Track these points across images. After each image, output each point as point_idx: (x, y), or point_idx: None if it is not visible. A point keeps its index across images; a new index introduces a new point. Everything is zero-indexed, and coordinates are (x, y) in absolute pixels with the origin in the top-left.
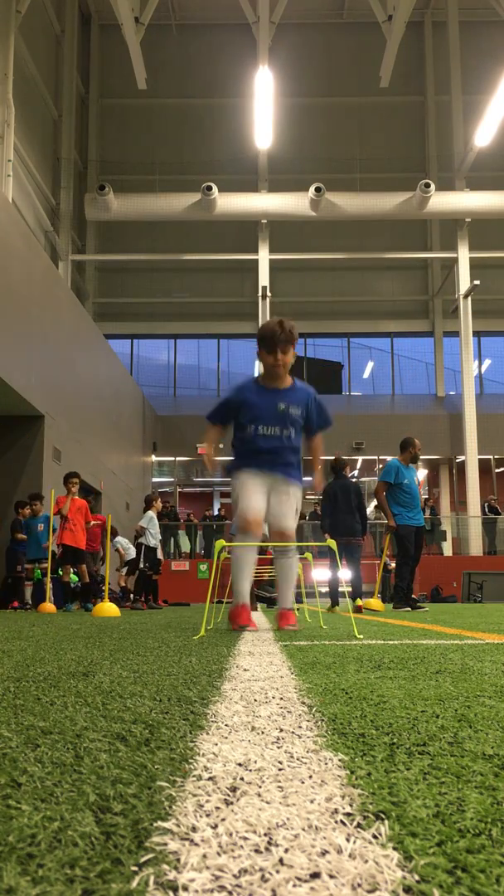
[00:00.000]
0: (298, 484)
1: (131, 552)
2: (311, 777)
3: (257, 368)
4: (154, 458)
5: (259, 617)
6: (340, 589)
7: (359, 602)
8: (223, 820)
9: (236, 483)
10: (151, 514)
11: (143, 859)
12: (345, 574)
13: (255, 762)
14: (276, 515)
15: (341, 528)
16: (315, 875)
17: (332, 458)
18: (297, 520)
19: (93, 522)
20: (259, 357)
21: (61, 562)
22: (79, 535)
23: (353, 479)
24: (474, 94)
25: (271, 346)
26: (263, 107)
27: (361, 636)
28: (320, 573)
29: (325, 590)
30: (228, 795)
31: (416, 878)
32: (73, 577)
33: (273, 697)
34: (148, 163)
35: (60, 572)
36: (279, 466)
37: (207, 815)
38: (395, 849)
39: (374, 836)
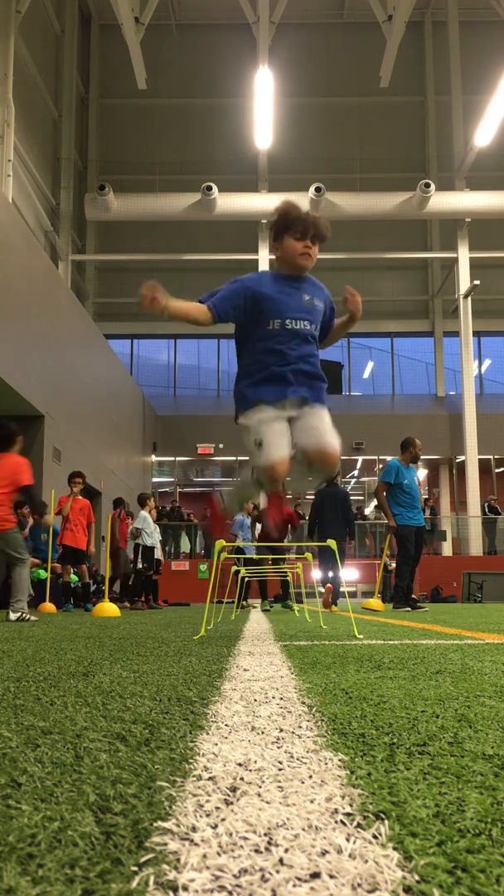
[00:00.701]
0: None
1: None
2: (311, 777)
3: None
4: (154, 458)
5: (259, 617)
6: (342, 589)
7: (334, 607)
8: (223, 820)
9: (253, 422)
10: (144, 513)
11: (143, 859)
12: (317, 574)
13: (255, 762)
14: (314, 430)
15: (326, 533)
16: (315, 875)
17: None
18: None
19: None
20: (280, 246)
21: (61, 561)
22: (79, 536)
23: (351, 479)
24: (474, 94)
25: (303, 229)
26: (263, 107)
27: (361, 636)
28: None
29: (322, 590)
30: (228, 795)
31: (416, 878)
32: (73, 577)
33: (273, 697)
34: (148, 163)
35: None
36: (308, 387)
37: (207, 815)
38: (395, 849)
39: (374, 836)
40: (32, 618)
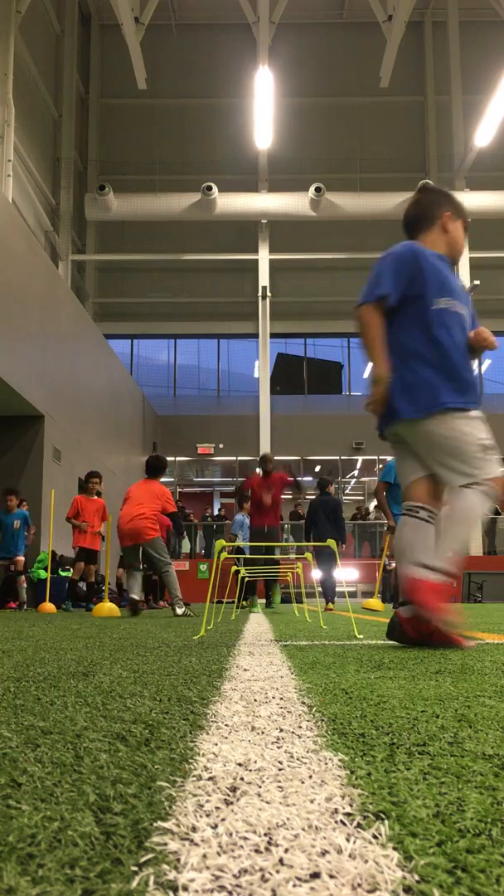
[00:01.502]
0: None
1: None
2: (311, 777)
3: None
4: None
5: (259, 617)
6: (339, 588)
7: (330, 606)
8: (223, 820)
9: (476, 421)
10: None
11: (143, 859)
12: (317, 574)
13: (255, 762)
14: None
15: (320, 538)
16: (315, 875)
17: (318, 477)
18: None
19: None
20: (453, 225)
21: (74, 561)
22: (95, 537)
23: (351, 479)
24: (474, 94)
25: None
26: (263, 107)
27: (361, 636)
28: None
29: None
30: (228, 795)
31: (416, 878)
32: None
33: (273, 697)
34: (148, 163)
35: (61, 572)
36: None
37: (207, 815)
38: (395, 849)
39: (374, 836)
40: (190, 613)
